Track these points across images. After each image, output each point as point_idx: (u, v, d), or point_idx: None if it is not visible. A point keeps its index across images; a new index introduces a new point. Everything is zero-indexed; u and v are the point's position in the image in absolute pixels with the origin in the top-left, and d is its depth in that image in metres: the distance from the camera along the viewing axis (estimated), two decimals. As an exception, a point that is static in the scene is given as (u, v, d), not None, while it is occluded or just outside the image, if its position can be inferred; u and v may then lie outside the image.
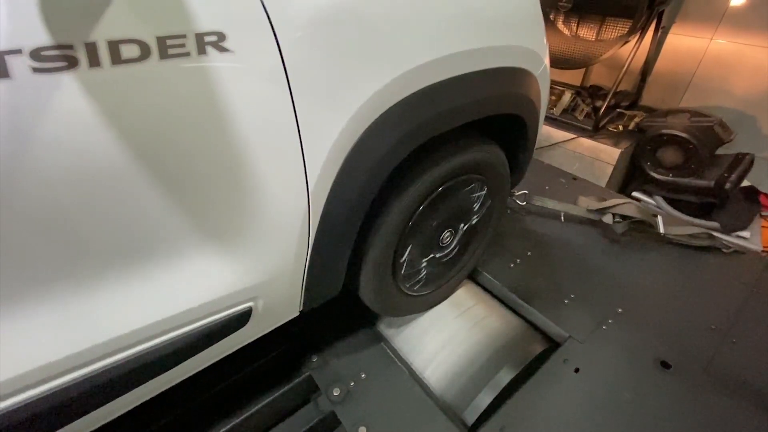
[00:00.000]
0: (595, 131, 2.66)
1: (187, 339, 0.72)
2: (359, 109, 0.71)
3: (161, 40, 0.51)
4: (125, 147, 0.53)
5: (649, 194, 2.65)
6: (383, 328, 1.37)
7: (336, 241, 0.84)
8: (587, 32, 2.72)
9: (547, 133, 2.75)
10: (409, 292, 1.20)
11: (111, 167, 0.53)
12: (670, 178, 2.50)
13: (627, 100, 2.95)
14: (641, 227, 1.73)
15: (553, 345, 1.33)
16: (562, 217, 1.80)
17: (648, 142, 2.51)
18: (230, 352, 0.87)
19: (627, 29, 2.46)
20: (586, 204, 1.81)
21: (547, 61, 1.11)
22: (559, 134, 2.71)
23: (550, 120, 2.82)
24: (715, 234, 1.69)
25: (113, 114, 0.51)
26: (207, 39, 0.55)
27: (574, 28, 2.84)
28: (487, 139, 1.12)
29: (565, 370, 1.20)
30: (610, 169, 2.55)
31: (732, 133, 2.42)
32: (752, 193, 2.57)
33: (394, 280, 1.11)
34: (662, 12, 2.53)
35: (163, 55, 0.52)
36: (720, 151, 2.50)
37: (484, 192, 1.20)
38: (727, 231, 2.32)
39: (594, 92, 2.96)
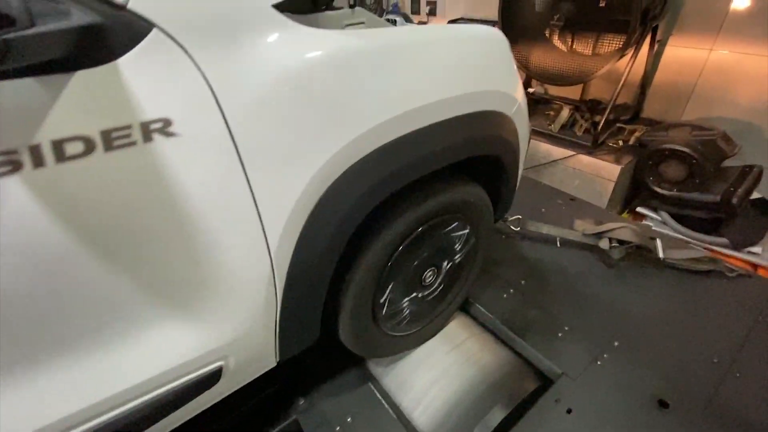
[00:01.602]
0: (595, 147, 2.62)
1: (157, 402, 0.73)
2: (317, 173, 0.72)
3: (105, 134, 0.53)
4: (79, 236, 0.55)
5: (654, 209, 2.58)
6: (372, 366, 1.35)
7: (305, 294, 0.85)
8: (583, 47, 2.71)
9: (546, 150, 2.72)
10: (393, 333, 1.19)
11: (67, 256, 0.55)
12: (674, 193, 2.43)
13: (627, 114, 2.90)
14: (640, 251, 1.68)
15: (546, 382, 1.29)
16: (558, 242, 1.77)
17: (649, 157, 2.45)
18: (207, 406, 0.88)
19: (621, 44, 2.43)
20: (582, 228, 1.77)
21: (521, 98, 1.11)
22: (558, 151, 2.68)
23: (549, 137, 2.79)
24: (720, 254, 1.63)
25: (62, 207, 0.53)
26: (152, 126, 0.57)
27: (570, 44, 2.83)
28: (465, 178, 1.11)
29: (557, 410, 1.17)
30: (611, 186, 2.50)
31: (736, 147, 2.34)
32: (764, 205, 2.47)
33: (374, 322, 1.10)
34: (656, 26, 2.50)
35: (108, 147, 0.54)
36: (728, 163, 2.42)
37: (467, 230, 1.20)
38: (737, 247, 2.23)
39: (593, 107, 2.92)
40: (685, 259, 1.62)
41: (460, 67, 0.91)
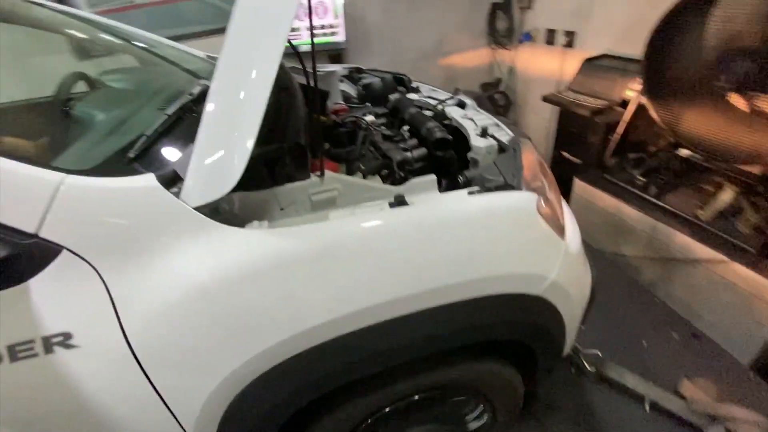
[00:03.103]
0: (764, 257, 1.87)
1: None
2: (223, 381, 0.66)
3: (11, 348, 0.58)
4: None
5: None
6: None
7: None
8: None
9: (683, 244, 2.06)
10: None
11: None
12: None
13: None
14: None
15: None
16: (647, 406, 1.32)
17: None
18: None
19: None
20: (690, 395, 1.28)
21: (557, 270, 0.82)
22: (703, 250, 1.99)
23: (693, 226, 2.11)
24: None
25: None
26: (54, 340, 0.59)
27: (756, 102, 2.08)
28: (481, 356, 0.90)
29: None
30: (782, 319, 1.74)
31: None
32: None
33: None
34: None
35: (14, 359, 0.58)
36: None
37: (480, 408, 0.97)
38: None
39: (782, 190, 2.08)
40: None
41: (435, 260, 0.73)
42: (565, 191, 2.46)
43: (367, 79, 1.75)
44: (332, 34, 2.78)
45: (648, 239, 2.17)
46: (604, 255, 2.24)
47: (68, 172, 0.60)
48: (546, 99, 2.51)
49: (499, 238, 0.76)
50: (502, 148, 1.08)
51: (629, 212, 2.18)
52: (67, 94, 1.19)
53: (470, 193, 0.80)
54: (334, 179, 0.77)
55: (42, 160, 0.66)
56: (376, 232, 0.70)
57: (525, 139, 1.05)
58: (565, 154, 2.65)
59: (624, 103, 2.23)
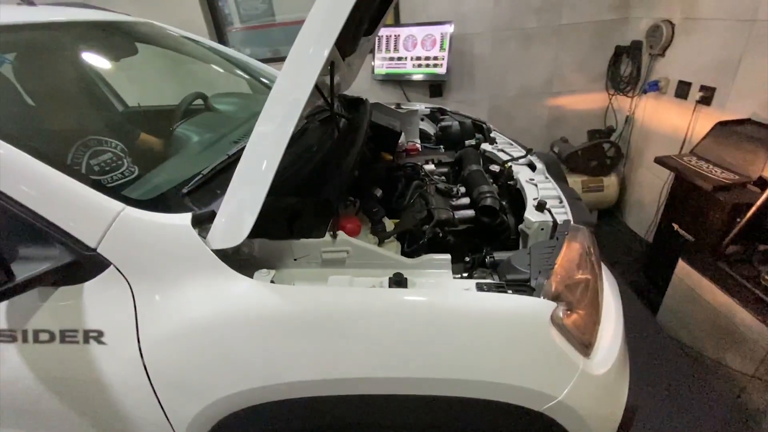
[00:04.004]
0: None
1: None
2: (210, 405, 0.73)
3: (62, 332, 0.73)
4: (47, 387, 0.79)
5: None
6: None
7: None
8: None
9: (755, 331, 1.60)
10: None
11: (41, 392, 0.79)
12: None
13: None
14: None
15: None
16: None
17: None
18: None
19: None
20: None
21: (563, 394, 0.71)
22: None
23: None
24: None
25: (34, 368, 0.77)
26: (91, 334, 0.73)
27: None
28: None
29: None
30: None
31: None
32: None
33: None
34: None
35: (62, 340, 0.74)
36: None
37: None
38: None
39: None
40: None
41: (420, 350, 0.70)
42: (666, 271, 2.09)
43: (447, 122, 1.74)
44: (435, 66, 2.82)
45: (766, 356, 1.74)
46: (703, 359, 1.86)
47: (128, 202, 0.73)
48: (659, 161, 2.18)
49: (495, 345, 0.70)
50: (555, 227, 0.99)
51: (744, 317, 1.77)
52: (187, 107, 1.43)
53: (479, 287, 0.75)
54: (345, 242, 0.79)
55: (116, 187, 0.82)
56: (364, 311, 0.71)
57: (580, 226, 0.94)
58: (676, 227, 2.26)
59: (762, 183, 1.83)
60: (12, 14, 1.09)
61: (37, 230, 0.69)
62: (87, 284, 0.73)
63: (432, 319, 0.70)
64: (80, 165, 0.85)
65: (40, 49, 1.13)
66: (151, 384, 0.74)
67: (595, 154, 2.83)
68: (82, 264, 0.72)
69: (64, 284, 0.73)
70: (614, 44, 2.81)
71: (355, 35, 1.23)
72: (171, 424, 0.78)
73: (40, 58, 1.15)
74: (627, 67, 2.80)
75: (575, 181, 2.87)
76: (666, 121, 2.62)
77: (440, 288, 0.76)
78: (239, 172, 0.67)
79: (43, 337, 0.74)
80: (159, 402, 0.75)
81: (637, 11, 2.72)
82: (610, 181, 2.90)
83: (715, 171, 1.96)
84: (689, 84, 2.52)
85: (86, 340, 0.74)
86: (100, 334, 0.73)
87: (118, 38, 1.35)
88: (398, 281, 0.73)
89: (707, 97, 2.41)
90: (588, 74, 2.95)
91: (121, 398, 0.76)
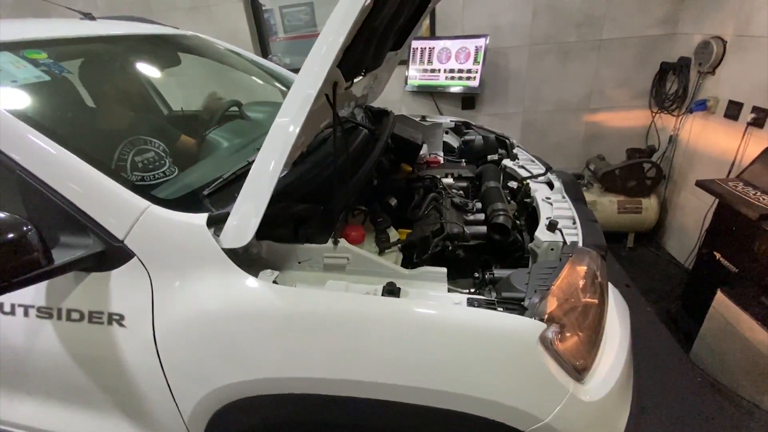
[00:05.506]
0: None
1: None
2: (212, 392, 0.79)
3: (91, 313, 0.82)
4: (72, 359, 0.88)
5: None
6: None
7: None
8: None
9: None
10: None
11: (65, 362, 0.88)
12: None
13: None
14: None
15: None
16: None
17: None
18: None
19: None
20: None
21: (550, 417, 0.69)
22: None
23: None
24: None
25: (64, 341, 0.86)
26: (114, 317, 0.81)
27: None
28: None
29: None
30: None
31: None
32: None
33: None
34: None
35: (90, 321, 0.82)
36: None
37: None
38: None
39: None
40: None
41: (405, 357, 0.72)
42: (704, 302, 1.96)
43: (470, 136, 1.75)
44: (468, 78, 2.83)
45: (810, 405, 1.59)
46: (739, 400, 1.72)
47: (153, 200, 0.81)
48: (701, 185, 2.06)
49: (480, 360, 0.70)
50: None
51: (786, 359, 1.63)
52: (223, 113, 1.53)
53: (470, 302, 0.76)
54: (346, 249, 0.83)
55: (144, 186, 0.90)
56: (356, 316, 0.74)
57: (589, 249, 0.92)
58: (718, 255, 2.11)
59: (816, 215, 1.68)
60: (74, 28, 1.23)
61: (75, 221, 0.78)
62: (114, 272, 0.81)
63: (419, 330, 0.72)
64: (126, 161, 0.95)
65: (98, 59, 1.27)
66: (162, 367, 0.81)
67: (633, 173, 2.70)
68: (112, 253, 0.80)
69: (95, 270, 0.82)
70: (660, 60, 2.69)
71: (380, 50, 1.28)
72: (177, 406, 0.84)
73: (98, 67, 1.29)
74: (673, 85, 2.66)
75: (611, 200, 2.75)
76: (713, 143, 2.46)
77: (431, 300, 0.78)
78: (249, 178, 0.73)
79: (75, 316, 0.83)
80: (168, 385, 0.82)
81: (685, 27, 2.59)
82: (649, 203, 2.75)
83: (763, 199, 1.82)
84: (740, 104, 2.36)
85: (110, 322, 0.82)
86: (122, 317, 0.81)
87: (163, 49, 1.48)
88: (391, 290, 0.76)
89: (760, 119, 2.25)
90: (630, 91, 2.83)
91: (136, 378, 0.84)
